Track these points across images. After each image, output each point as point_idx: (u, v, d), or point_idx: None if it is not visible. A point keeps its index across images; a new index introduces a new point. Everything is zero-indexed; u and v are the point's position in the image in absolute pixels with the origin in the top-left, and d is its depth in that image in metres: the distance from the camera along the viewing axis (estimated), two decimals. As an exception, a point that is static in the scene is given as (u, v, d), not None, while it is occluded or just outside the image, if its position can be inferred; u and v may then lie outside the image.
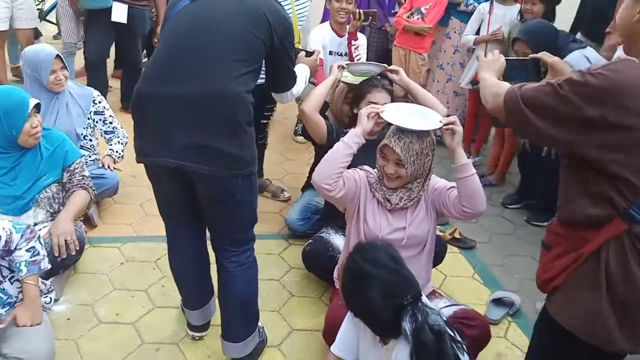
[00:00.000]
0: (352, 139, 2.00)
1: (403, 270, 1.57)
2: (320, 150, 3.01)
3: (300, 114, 2.58)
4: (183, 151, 1.71)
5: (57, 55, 2.83)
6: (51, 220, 2.43)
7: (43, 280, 2.05)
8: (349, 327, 1.82)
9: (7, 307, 1.90)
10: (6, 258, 1.87)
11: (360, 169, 2.17)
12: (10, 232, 1.81)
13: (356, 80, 2.80)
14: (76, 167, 2.49)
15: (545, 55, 1.67)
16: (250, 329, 2.05)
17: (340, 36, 3.72)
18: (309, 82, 3.95)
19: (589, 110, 1.18)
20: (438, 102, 2.63)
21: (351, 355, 1.82)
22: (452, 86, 4.42)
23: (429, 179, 2.08)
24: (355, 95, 2.65)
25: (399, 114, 2.02)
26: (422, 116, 2.04)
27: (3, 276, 1.91)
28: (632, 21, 1.26)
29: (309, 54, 2.51)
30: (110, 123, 3.05)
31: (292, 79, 2.12)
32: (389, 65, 2.76)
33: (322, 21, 4.51)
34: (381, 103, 2.40)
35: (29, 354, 1.81)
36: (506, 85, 1.40)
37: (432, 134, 2.04)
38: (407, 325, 1.47)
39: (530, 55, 1.78)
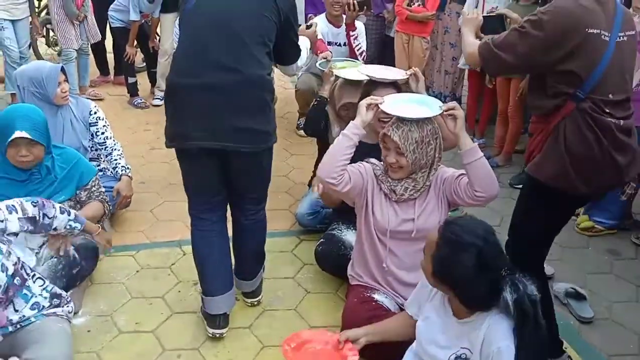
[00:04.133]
0: (352, 131, 2.01)
1: (499, 242, 1.57)
2: (323, 145, 3.02)
3: (321, 196, 2.57)
4: (224, 134, 1.94)
5: (62, 68, 2.84)
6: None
7: (61, 291, 2.09)
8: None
9: (35, 310, 1.93)
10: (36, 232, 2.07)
11: (367, 162, 2.17)
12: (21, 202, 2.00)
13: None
14: (93, 184, 2.54)
15: (507, 11, 2.22)
16: (260, 268, 2.39)
17: (337, 27, 3.74)
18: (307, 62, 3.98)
19: (545, 36, 1.74)
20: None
21: None
22: (444, 65, 4.52)
23: (435, 169, 2.07)
24: (362, 94, 2.59)
25: (398, 104, 2.04)
26: (421, 104, 2.05)
27: (27, 274, 1.95)
28: None
29: (309, 26, 2.68)
30: (102, 134, 2.97)
31: (298, 51, 2.28)
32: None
33: (306, 9, 4.53)
34: None
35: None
36: (478, 42, 1.95)
37: (435, 123, 2.03)
38: (508, 296, 1.46)
39: (496, 12, 2.37)
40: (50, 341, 1.88)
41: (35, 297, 1.95)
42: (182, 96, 1.97)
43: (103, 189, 2.59)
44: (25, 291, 1.92)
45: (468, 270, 1.48)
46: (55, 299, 2.04)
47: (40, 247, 2.38)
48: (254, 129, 1.97)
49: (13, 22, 4.33)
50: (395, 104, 2.03)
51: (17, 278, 1.89)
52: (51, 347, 1.86)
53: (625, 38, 1.81)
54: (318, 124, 2.95)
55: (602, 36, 1.75)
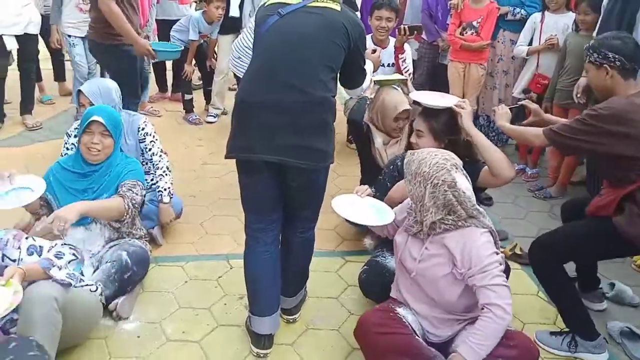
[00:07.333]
0: None
1: None
2: (365, 158, 3.16)
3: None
4: (285, 150, 2.03)
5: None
6: (118, 237, 2.55)
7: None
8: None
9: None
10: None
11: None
12: None
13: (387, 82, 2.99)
14: (128, 182, 2.52)
15: (528, 103, 2.68)
16: (302, 287, 2.51)
17: (382, 48, 3.82)
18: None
19: (605, 126, 2.08)
20: (505, 159, 2.33)
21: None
22: (497, 94, 4.44)
23: (434, 223, 1.94)
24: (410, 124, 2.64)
25: (351, 204, 2.22)
26: (376, 212, 2.19)
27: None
28: (603, 82, 2.22)
29: (373, 50, 2.87)
30: (149, 150, 3.02)
31: (364, 75, 2.38)
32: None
33: None
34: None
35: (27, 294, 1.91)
36: (538, 129, 2.29)
37: (456, 176, 1.91)
38: None
39: (519, 103, 2.87)
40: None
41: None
42: (248, 112, 2.06)
43: (137, 191, 2.52)
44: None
45: None
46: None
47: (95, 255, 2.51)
48: (314, 148, 2.04)
49: (83, 39, 4.61)
50: (347, 204, 2.17)
51: None
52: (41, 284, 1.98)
53: None
54: (359, 127, 3.06)
55: None
